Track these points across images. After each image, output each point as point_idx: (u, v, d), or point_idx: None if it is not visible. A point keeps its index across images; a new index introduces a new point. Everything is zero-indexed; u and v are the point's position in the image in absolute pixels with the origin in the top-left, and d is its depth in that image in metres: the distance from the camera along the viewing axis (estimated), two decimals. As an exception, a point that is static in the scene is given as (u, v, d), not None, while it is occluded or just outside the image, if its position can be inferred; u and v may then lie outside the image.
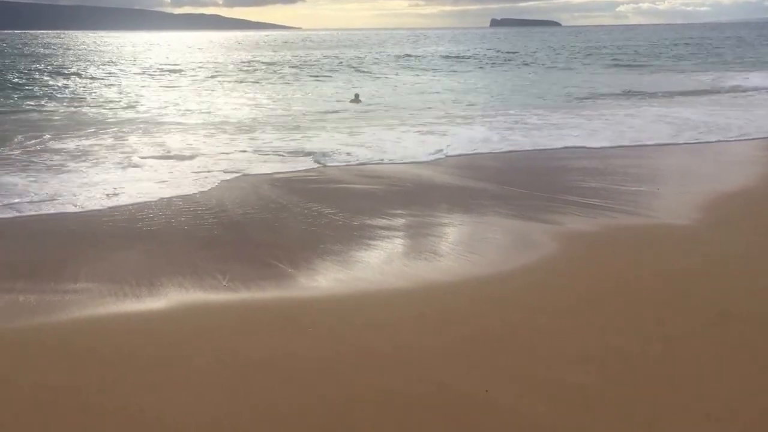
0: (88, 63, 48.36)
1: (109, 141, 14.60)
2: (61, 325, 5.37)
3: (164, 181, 10.38)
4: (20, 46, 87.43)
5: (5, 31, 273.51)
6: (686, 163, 12.09)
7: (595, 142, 13.69)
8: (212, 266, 6.58)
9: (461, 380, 4.43)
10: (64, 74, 36.41)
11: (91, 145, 13.92)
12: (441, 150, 12.89)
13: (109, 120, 18.57)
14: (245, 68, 42.93)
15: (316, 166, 11.73)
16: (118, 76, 35.96)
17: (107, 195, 9.41)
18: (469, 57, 53.98)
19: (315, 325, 5.31)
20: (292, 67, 43.93)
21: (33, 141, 14.37)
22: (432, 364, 4.66)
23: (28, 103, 22.84)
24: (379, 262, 6.78)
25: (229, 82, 32.85)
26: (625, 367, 4.60)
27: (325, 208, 8.74)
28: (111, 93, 26.81)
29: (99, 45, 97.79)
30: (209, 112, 20.34)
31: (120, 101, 23.59)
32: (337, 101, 23.06)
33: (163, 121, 18.38)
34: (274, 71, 40.07)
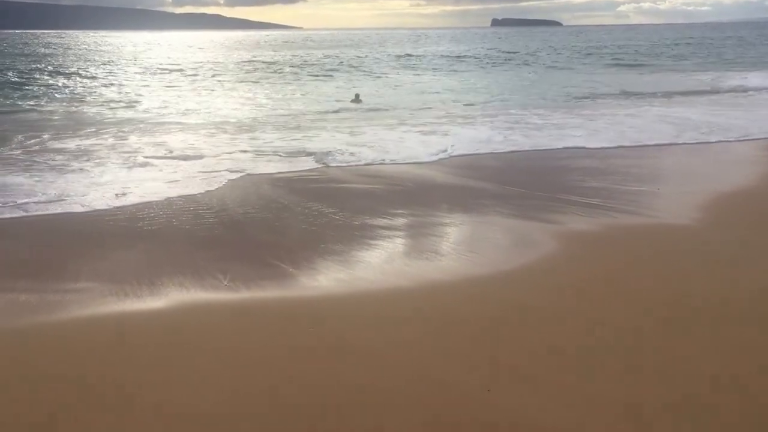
0: (88, 62, 48.36)
1: (111, 141, 14.60)
2: (62, 324, 5.38)
3: (172, 181, 10.36)
4: (21, 45, 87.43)
5: (6, 31, 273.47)
6: (688, 164, 12.08)
7: (597, 143, 13.68)
8: (215, 266, 6.59)
9: (462, 380, 4.44)
10: (64, 74, 36.39)
11: (92, 145, 13.92)
12: (445, 150, 12.86)
13: (110, 120, 18.57)
14: (246, 68, 42.92)
15: (319, 166, 11.72)
16: (118, 76, 35.93)
17: (116, 195, 9.43)
18: (469, 57, 53.94)
19: (316, 325, 5.32)
20: (293, 66, 43.91)
21: (33, 141, 14.37)
22: (433, 364, 4.66)
23: (28, 102, 22.83)
24: (386, 262, 6.78)
25: (230, 81, 32.83)
26: (626, 366, 4.60)
27: (330, 208, 8.73)
28: (111, 93, 26.79)
29: (100, 45, 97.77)
30: (209, 112, 20.33)
31: (120, 101, 23.56)
32: (337, 101, 23.04)
33: (164, 120, 18.37)
34: (275, 71, 40.05)
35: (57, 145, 13.86)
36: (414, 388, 4.36)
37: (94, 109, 21.17)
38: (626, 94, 23.76)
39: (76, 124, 17.43)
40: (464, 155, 12.60)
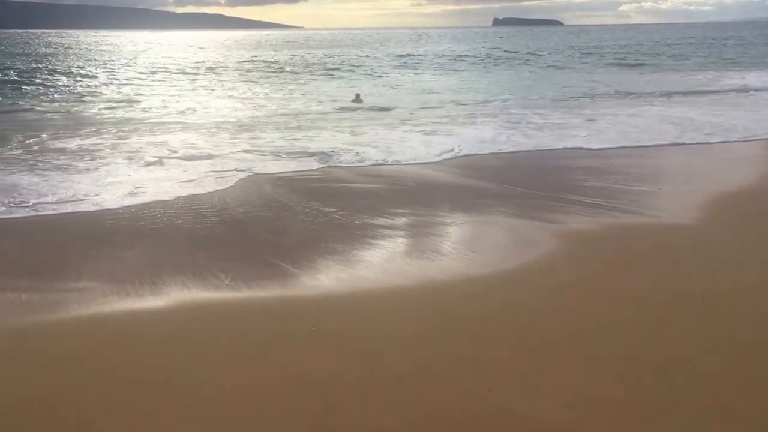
0: (88, 62, 48.38)
1: (112, 141, 14.60)
2: (74, 321, 5.39)
3: (180, 181, 10.36)
4: (21, 45, 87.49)
5: (7, 31, 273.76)
6: (689, 164, 12.06)
7: (598, 143, 13.63)
8: (229, 266, 6.60)
9: (463, 379, 4.43)
10: (64, 73, 36.42)
11: (94, 145, 13.92)
12: (451, 150, 12.83)
13: (111, 119, 18.59)
14: (247, 67, 42.92)
15: (324, 166, 11.68)
16: (118, 76, 35.95)
17: (128, 194, 9.47)
18: (470, 56, 53.93)
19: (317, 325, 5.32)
20: (294, 66, 43.93)
21: (33, 140, 14.39)
22: (434, 363, 4.66)
23: (27, 102, 22.82)
24: (395, 261, 6.79)
25: (230, 81, 32.85)
26: (626, 366, 4.59)
27: (339, 208, 8.72)
28: (111, 92, 26.81)
29: (100, 44, 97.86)
30: (210, 112, 20.34)
31: (120, 100, 23.59)
32: (336, 101, 23.01)
33: (165, 120, 18.37)
34: (276, 71, 40.05)
35: (58, 144, 13.86)
36: (415, 387, 4.35)
37: (94, 109, 21.19)
38: (627, 94, 23.74)
39: (76, 124, 17.43)
40: (466, 155, 12.58)
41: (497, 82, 30.93)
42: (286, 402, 4.22)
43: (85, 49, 76.27)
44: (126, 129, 16.43)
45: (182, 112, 20.27)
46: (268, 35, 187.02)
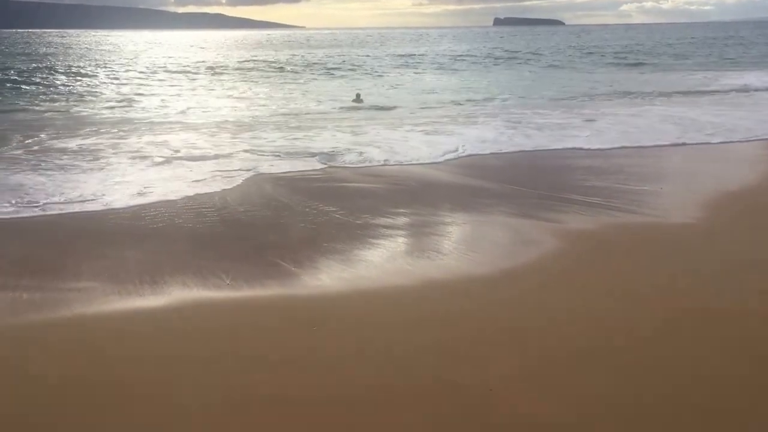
0: (89, 62, 48.36)
1: (113, 141, 14.60)
2: (68, 322, 5.39)
3: (186, 181, 10.37)
4: (22, 45, 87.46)
5: (8, 30, 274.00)
6: (691, 164, 12.06)
7: (600, 143, 13.60)
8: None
9: (464, 378, 4.43)
10: (64, 73, 36.34)
11: (95, 145, 13.92)
12: (454, 150, 12.80)
13: (111, 119, 18.57)
14: (247, 67, 42.90)
15: (326, 166, 11.65)
16: (118, 75, 35.93)
17: (135, 194, 9.49)
18: (471, 56, 53.92)
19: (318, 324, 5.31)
20: (294, 66, 43.92)
21: (33, 140, 14.40)
22: (435, 362, 4.66)
23: (26, 102, 22.78)
24: (398, 260, 6.79)
25: (231, 81, 32.82)
26: (628, 365, 4.59)
27: (342, 208, 8.72)
28: (111, 92, 26.78)
29: (101, 44, 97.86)
30: (210, 111, 20.32)
31: (120, 100, 23.54)
32: (337, 101, 22.98)
33: (165, 120, 18.36)
34: (276, 70, 40.04)
35: (58, 144, 13.86)
36: (415, 386, 4.35)
37: (94, 109, 21.16)
38: (628, 94, 23.71)
39: (76, 124, 17.41)
40: (468, 156, 12.56)
41: (498, 81, 30.92)
42: (287, 401, 4.21)
43: (86, 49, 76.28)
44: (126, 129, 16.42)
45: (183, 112, 20.26)
46: (268, 35, 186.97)
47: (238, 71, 39.37)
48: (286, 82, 31.72)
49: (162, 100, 23.77)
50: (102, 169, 11.36)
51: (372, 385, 4.41)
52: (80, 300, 5.82)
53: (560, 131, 15.15)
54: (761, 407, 4.10)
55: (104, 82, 31.32)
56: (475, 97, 23.76)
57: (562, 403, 4.14)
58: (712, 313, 5.46)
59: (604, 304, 5.68)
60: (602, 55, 51.34)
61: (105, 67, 42.02)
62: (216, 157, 12.44)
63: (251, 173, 10.95)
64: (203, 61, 49.23)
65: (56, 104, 22.43)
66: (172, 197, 9.36)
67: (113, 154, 12.80)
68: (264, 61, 48.95)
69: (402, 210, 8.66)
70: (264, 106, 21.91)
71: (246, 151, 13.05)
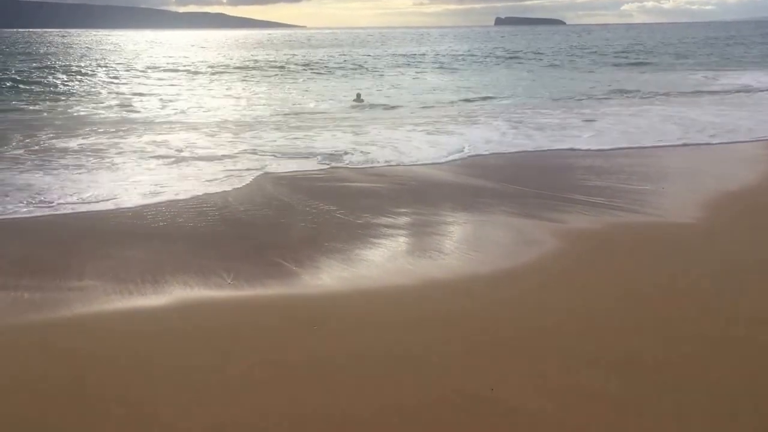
0: (89, 61, 48.39)
1: (116, 140, 14.61)
2: (68, 321, 5.39)
3: (193, 181, 10.39)
4: (23, 44, 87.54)
5: (8, 30, 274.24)
6: (692, 164, 12.05)
7: (602, 144, 13.56)
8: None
9: (465, 378, 4.43)
10: (64, 72, 36.38)
11: (100, 145, 13.91)
12: (457, 150, 12.78)
13: (111, 119, 18.58)
14: (248, 67, 42.91)
15: (327, 166, 11.61)
16: (119, 75, 35.94)
17: (145, 194, 9.52)
18: (472, 55, 53.93)
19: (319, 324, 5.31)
20: (295, 65, 43.93)
21: (33, 140, 14.42)
22: (436, 362, 4.65)
23: (26, 102, 22.75)
24: (402, 260, 6.77)
25: (232, 80, 32.81)
26: (630, 365, 4.58)
27: (349, 208, 8.71)
28: (111, 92, 26.77)
29: (101, 44, 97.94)
30: (212, 111, 20.32)
31: (121, 100, 23.56)
32: (338, 100, 22.98)
33: (168, 120, 18.35)
34: (277, 70, 40.06)
35: (59, 144, 13.87)
36: (416, 386, 4.34)
37: (94, 108, 21.16)
38: (629, 94, 23.69)
39: (76, 124, 17.43)
40: (470, 156, 12.54)
41: (499, 81, 30.91)
42: (286, 400, 4.21)
43: (86, 49, 76.33)
44: (127, 129, 16.42)
45: (183, 112, 20.27)
46: (269, 34, 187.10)
47: (239, 71, 39.38)
48: (287, 82, 31.73)
49: (162, 99, 23.77)
50: (109, 169, 11.39)
51: (372, 384, 4.39)
52: (81, 299, 5.82)
53: (561, 131, 15.14)
54: (762, 408, 4.08)
55: (104, 82, 31.32)
56: (476, 96, 23.77)
57: (564, 403, 4.13)
58: (715, 312, 5.44)
59: (606, 303, 5.67)
60: (603, 55, 51.33)
61: (105, 67, 42.04)
62: (220, 157, 12.43)
63: (257, 173, 10.90)
64: (204, 61, 49.29)
65: (55, 104, 22.43)
66: (181, 197, 9.38)
67: (117, 153, 12.81)
68: (265, 61, 48.97)
69: (410, 210, 8.66)
70: (265, 105, 21.91)
71: (247, 151, 13.04)
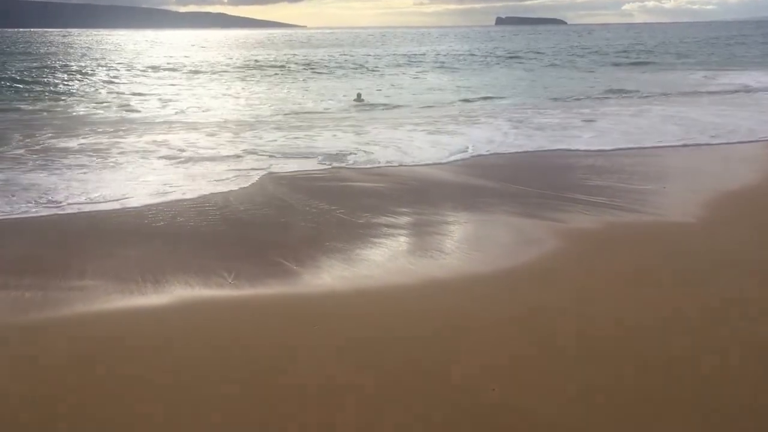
0: (89, 61, 48.40)
1: (117, 140, 14.62)
2: (69, 320, 5.41)
3: (198, 180, 10.39)
4: (23, 44, 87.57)
5: (9, 30, 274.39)
6: (693, 164, 12.04)
7: (603, 144, 13.49)
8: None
9: (467, 378, 4.42)
10: (64, 72, 36.38)
11: (103, 144, 13.91)
12: (459, 151, 12.74)
13: (111, 119, 18.58)
14: (249, 67, 42.91)
15: (329, 166, 11.59)
16: (119, 75, 35.93)
17: (152, 193, 9.53)
18: (473, 55, 53.91)
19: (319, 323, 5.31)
20: (296, 65, 43.93)
21: (34, 140, 14.42)
22: (436, 362, 4.65)
23: (25, 101, 22.72)
24: (409, 259, 6.77)
25: (232, 80, 32.78)
26: (631, 364, 4.58)
27: (354, 208, 8.70)
28: (111, 91, 26.76)
29: (101, 43, 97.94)
30: (213, 111, 20.31)
31: (120, 100, 23.55)
32: (338, 100, 22.97)
33: (169, 120, 18.34)
34: (278, 70, 40.05)
35: (60, 144, 13.87)
36: (418, 385, 4.34)
37: (93, 108, 21.14)
38: (630, 94, 23.66)
39: (76, 123, 17.43)
40: (472, 156, 12.52)
41: (499, 81, 30.89)
42: (287, 400, 4.21)
43: (87, 48, 76.33)
44: (127, 128, 16.42)
45: (183, 112, 20.26)
46: (270, 34, 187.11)
47: (239, 71, 39.38)
48: (287, 82, 31.72)
49: (162, 99, 23.76)
50: (111, 168, 11.38)
51: (374, 384, 4.40)
52: (82, 298, 5.83)
53: (562, 131, 15.12)
54: (762, 405, 4.08)
55: (104, 81, 31.31)
56: (476, 96, 23.75)
57: (566, 403, 4.13)
58: (716, 312, 5.44)
59: (607, 303, 5.66)
60: (604, 55, 51.31)
61: (105, 67, 42.03)
62: (221, 157, 12.40)
63: (259, 174, 10.87)
64: (204, 61, 49.28)
65: (55, 103, 22.42)
66: (185, 197, 9.37)
67: (119, 153, 12.81)
68: (265, 61, 48.97)
69: (411, 209, 8.65)
70: (265, 105, 21.90)
71: (248, 151, 13.01)
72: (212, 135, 15.13)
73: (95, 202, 9.06)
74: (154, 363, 4.71)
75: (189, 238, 7.62)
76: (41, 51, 66.07)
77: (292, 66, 43.05)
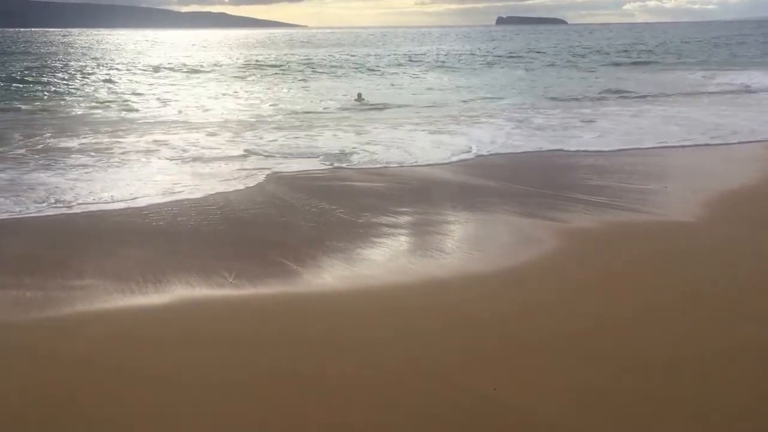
0: (89, 61, 48.41)
1: (114, 140, 14.63)
2: (69, 320, 5.41)
3: (204, 180, 10.41)
4: (24, 44, 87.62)
5: (10, 29, 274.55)
6: (694, 163, 12.04)
7: (604, 145, 13.45)
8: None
9: (468, 377, 4.43)
10: (64, 72, 36.41)
11: (102, 144, 13.91)
12: (461, 151, 12.72)
13: (110, 119, 18.54)
14: (249, 66, 42.90)
15: (330, 166, 11.58)
16: (120, 74, 35.92)
17: (158, 193, 9.56)
18: (473, 55, 53.91)
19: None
20: (297, 65, 43.91)
21: (34, 139, 14.43)
22: (437, 361, 4.66)
23: (25, 101, 22.66)
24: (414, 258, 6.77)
25: (233, 80, 32.75)
26: (633, 364, 4.58)
27: (359, 208, 8.70)
28: (111, 91, 26.69)
29: (102, 43, 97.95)
30: (213, 111, 20.28)
31: (121, 100, 23.49)
32: (339, 100, 22.95)
33: (167, 120, 18.29)
34: (279, 69, 40.02)
35: (61, 144, 13.87)
36: (418, 385, 4.35)
37: (93, 108, 21.09)
38: (631, 94, 23.61)
39: (77, 123, 17.43)
40: (474, 156, 12.50)
41: (500, 81, 30.85)
42: (288, 400, 4.21)
43: (87, 48, 76.35)
44: (126, 128, 16.41)
45: (184, 111, 20.21)
46: (271, 34, 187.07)
47: (239, 70, 39.38)
48: (287, 81, 31.70)
49: (162, 99, 23.72)
50: (113, 168, 11.39)
51: (374, 384, 4.40)
52: (83, 298, 5.83)
53: (563, 131, 15.11)
54: (762, 406, 4.09)
55: (104, 81, 31.27)
56: (476, 96, 23.73)
57: (566, 403, 4.13)
58: (717, 312, 5.44)
59: (608, 302, 5.67)
60: (605, 54, 51.29)
61: (105, 66, 42.03)
62: (223, 157, 12.39)
63: (260, 174, 10.86)
64: (204, 60, 49.27)
65: (55, 103, 22.40)
66: (187, 197, 9.37)
67: (121, 153, 12.81)
68: (268, 61, 48.96)
69: (413, 209, 8.66)
70: (266, 105, 21.89)
71: (249, 151, 13.00)
72: (213, 135, 15.11)
73: (104, 203, 9.06)
74: (155, 362, 4.72)
75: (189, 238, 7.63)
76: (41, 51, 66.11)
77: (293, 66, 43.03)
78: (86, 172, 10.92)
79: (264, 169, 11.24)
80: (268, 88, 28.14)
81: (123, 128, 16.37)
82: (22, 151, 13.05)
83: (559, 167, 11.63)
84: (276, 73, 37.01)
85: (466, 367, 4.59)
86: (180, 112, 20.10)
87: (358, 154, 12.56)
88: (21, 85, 28.04)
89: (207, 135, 15.11)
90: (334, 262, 6.70)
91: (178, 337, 5.12)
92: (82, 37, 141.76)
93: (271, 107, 21.16)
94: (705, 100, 21.22)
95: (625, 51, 55.32)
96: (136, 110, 20.59)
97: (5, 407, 4.21)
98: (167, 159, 12.23)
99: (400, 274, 6.36)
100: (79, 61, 47.97)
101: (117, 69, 39.75)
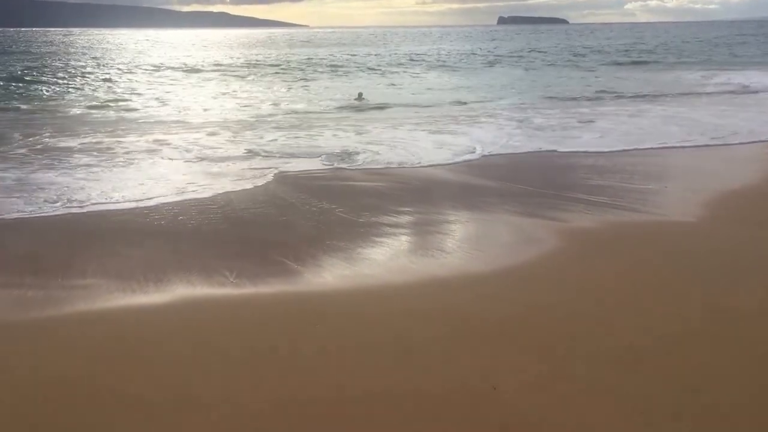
0: (89, 60, 48.41)
1: (114, 140, 14.63)
2: (70, 319, 5.42)
3: (209, 180, 10.43)
4: (24, 43, 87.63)
5: (11, 29, 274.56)
6: (694, 163, 12.02)
7: (605, 145, 13.43)
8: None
9: (468, 377, 4.43)
10: (64, 72, 36.38)
11: (101, 144, 13.90)
12: (463, 152, 12.70)
13: (110, 119, 18.53)
14: (250, 66, 42.90)
15: (332, 166, 11.56)
16: (120, 74, 35.92)
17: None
18: (474, 55, 53.90)
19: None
20: (297, 64, 43.91)
21: (35, 139, 14.44)
22: (437, 361, 4.66)
23: (25, 101, 22.65)
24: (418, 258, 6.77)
25: (234, 80, 32.74)
26: (633, 364, 4.58)
27: (362, 208, 8.69)
28: (110, 91, 26.69)
29: (102, 43, 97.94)
30: (214, 111, 20.28)
31: (121, 99, 23.51)
32: (339, 99, 22.96)
33: (168, 120, 18.29)
34: (279, 69, 40.02)
35: (62, 143, 13.86)
36: (418, 384, 4.35)
37: (93, 108, 21.06)
38: (631, 94, 23.60)
39: (76, 123, 17.40)
40: (476, 156, 12.50)
41: (501, 80, 30.84)
42: (288, 399, 4.21)
43: (88, 48, 76.34)
44: (126, 128, 16.39)
45: (184, 111, 20.21)
46: (271, 34, 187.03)
47: (240, 69, 39.37)
48: (287, 81, 31.68)
49: (163, 99, 23.70)
50: (115, 168, 11.37)
51: (375, 383, 4.40)
52: (84, 297, 5.84)
53: (563, 131, 15.11)
54: (762, 406, 4.09)
55: (104, 80, 31.28)
56: (477, 96, 23.71)
57: (567, 402, 4.13)
58: (717, 311, 5.45)
59: (609, 301, 5.67)
60: (607, 54, 51.27)
61: (105, 66, 42.03)
62: (224, 157, 12.36)
63: (261, 173, 10.85)
64: (205, 60, 49.27)
65: (55, 103, 22.40)
66: (189, 197, 9.37)
67: (124, 152, 12.81)
68: (268, 60, 48.96)
69: (414, 209, 8.67)
70: (266, 104, 21.88)
71: (249, 150, 13.02)
72: (213, 135, 15.11)
73: (116, 202, 9.07)
74: (156, 361, 4.72)
75: (190, 237, 7.64)
76: (42, 50, 66.10)
77: (293, 65, 43.03)
78: (92, 172, 10.92)
79: (264, 168, 11.23)
80: (268, 88, 28.14)
81: (123, 128, 16.37)
82: (23, 150, 13.05)
83: (560, 167, 11.64)
84: (276, 73, 37.00)
85: (467, 366, 4.59)
86: (181, 111, 20.09)
87: (361, 154, 12.55)
88: (21, 85, 28.02)
89: (207, 135, 15.10)
90: (335, 261, 6.70)
91: (179, 335, 5.13)
92: (83, 36, 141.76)
93: (272, 106, 21.16)
94: (705, 100, 21.20)
95: (626, 50, 55.30)
96: (136, 110, 20.59)
97: (6, 405, 4.21)
98: (167, 160, 12.21)
99: (401, 274, 6.36)
100: (79, 60, 47.97)
101: (117, 69, 39.73)
